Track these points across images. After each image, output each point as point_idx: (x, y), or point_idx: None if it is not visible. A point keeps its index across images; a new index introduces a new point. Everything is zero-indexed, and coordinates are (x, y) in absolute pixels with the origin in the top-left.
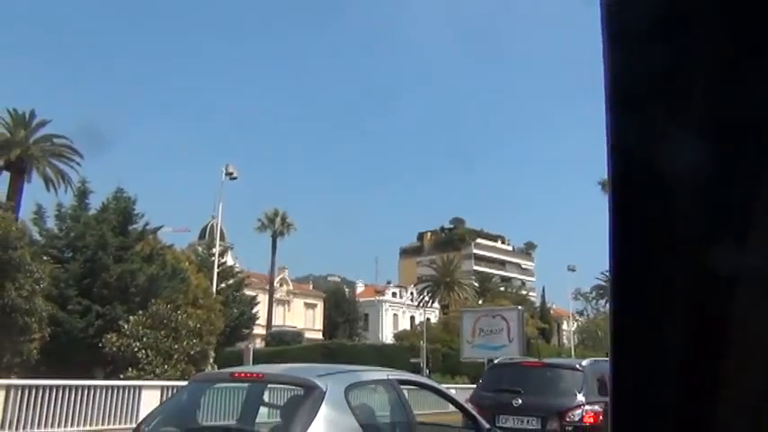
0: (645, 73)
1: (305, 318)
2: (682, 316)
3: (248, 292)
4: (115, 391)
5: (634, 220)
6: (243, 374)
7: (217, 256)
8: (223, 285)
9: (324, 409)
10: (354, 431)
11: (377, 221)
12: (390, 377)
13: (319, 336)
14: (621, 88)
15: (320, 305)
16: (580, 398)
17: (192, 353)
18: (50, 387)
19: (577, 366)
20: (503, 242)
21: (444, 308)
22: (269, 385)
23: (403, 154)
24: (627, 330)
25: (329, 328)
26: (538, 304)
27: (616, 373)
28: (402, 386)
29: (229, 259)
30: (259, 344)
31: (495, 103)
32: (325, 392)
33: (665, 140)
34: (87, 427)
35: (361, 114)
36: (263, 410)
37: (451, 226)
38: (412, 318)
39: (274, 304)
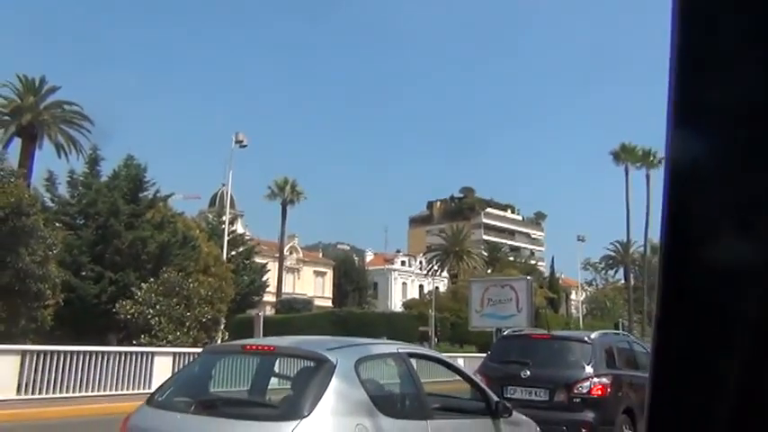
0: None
1: (314, 286)
2: (742, 323)
3: (258, 260)
4: (129, 358)
5: (691, 214)
6: (254, 347)
7: (227, 223)
8: (233, 253)
9: (334, 382)
10: (364, 403)
11: (387, 191)
12: (400, 350)
13: (329, 303)
14: (688, 102)
15: (330, 273)
16: (588, 370)
17: (203, 320)
18: (65, 353)
19: (586, 339)
20: (512, 212)
21: (453, 277)
22: (280, 358)
23: (414, 126)
24: (675, 321)
25: (339, 296)
26: (547, 274)
27: (658, 366)
28: (411, 359)
29: (239, 227)
30: (269, 311)
31: (509, 78)
32: (335, 366)
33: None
34: (101, 392)
35: (374, 91)
36: (273, 380)
37: (461, 195)
38: (421, 287)
39: (284, 272)
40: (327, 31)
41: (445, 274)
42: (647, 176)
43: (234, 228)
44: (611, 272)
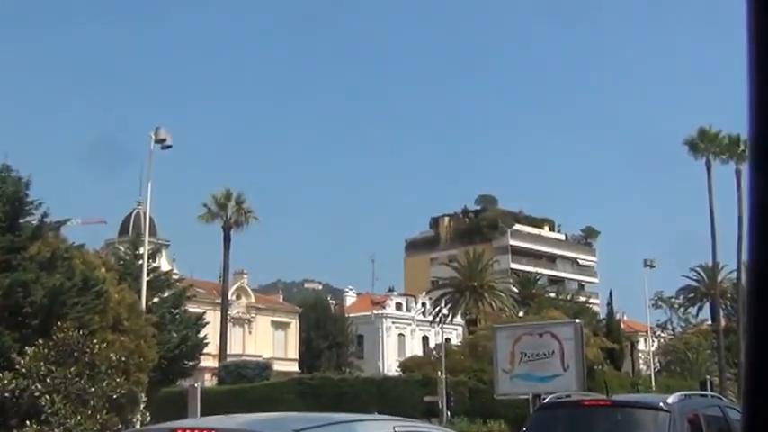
0: None
1: (273, 342)
2: None
3: (193, 309)
4: None
5: None
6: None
7: (146, 258)
8: (156, 300)
9: None
10: None
11: (372, 204)
12: (398, 430)
13: (294, 367)
14: None
15: (294, 324)
16: None
17: (115, 396)
18: None
19: (661, 405)
20: (551, 229)
21: (470, 323)
22: None
23: (409, 113)
24: None
25: (308, 356)
26: (603, 315)
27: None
28: None
29: (164, 262)
30: (210, 381)
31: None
32: None
33: None
34: None
35: (354, 87)
36: None
37: (478, 207)
38: (425, 339)
39: (229, 324)
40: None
41: (459, 319)
42: (737, 173)
43: (155, 264)
44: (692, 309)
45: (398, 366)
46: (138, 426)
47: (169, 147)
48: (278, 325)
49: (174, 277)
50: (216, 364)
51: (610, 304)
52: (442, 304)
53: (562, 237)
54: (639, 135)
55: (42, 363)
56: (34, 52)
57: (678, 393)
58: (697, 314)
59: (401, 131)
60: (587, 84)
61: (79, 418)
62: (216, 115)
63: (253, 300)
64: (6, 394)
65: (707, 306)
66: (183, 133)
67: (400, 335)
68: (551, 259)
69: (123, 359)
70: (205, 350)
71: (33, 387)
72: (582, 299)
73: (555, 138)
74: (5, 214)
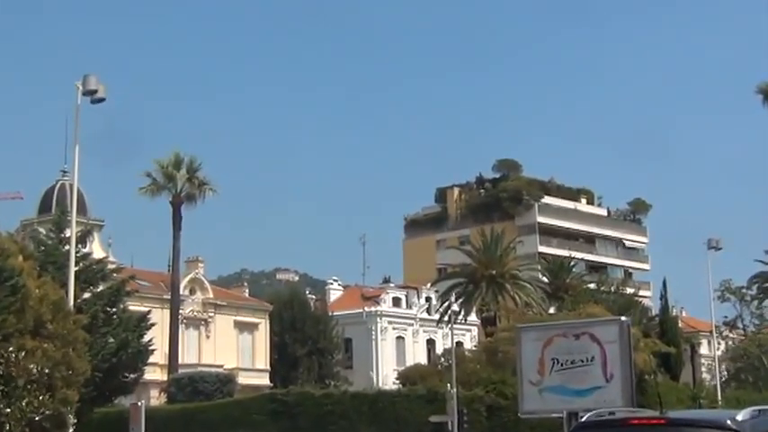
0: None
1: (238, 348)
2: None
3: (134, 307)
4: None
5: None
6: None
7: (73, 242)
8: (88, 296)
9: None
10: None
11: (362, 172)
12: None
13: (265, 380)
14: None
15: (264, 325)
16: None
17: (37, 418)
18: None
19: (729, 423)
20: (590, 202)
21: (488, 323)
22: None
23: (407, 62)
24: None
25: (282, 365)
26: (655, 311)
27: None
28: None
29: (96, 248)
30: (157, 398)
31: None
32: None
33: None
34: None
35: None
36: None
37: (497, 175)
38: (430, 342)
39: (181, 326)
40: None
41: (473, 318)
42: None
43: (86, 250)
44: None
45: (397, 378)
46: None
47: (101, 100)
48: (243, 326)
49: (111, 267)
50: (164, 377)
51: (664, 297)
52: (452, 299)
53: (603, 212)
54: (699, 80)
55: None
56: None
57: (750, 409)
58: None
59: (399, 81)
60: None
61: None
62: (167, 69)
63: (211, 295)
64: None
65: None
66: (126, 90)
67: (399, 338)
68: (590, 240)
69: (47, 371)
70: (151, 359)
71: None
72: (629, 290)
73: (592, 90)
74: None
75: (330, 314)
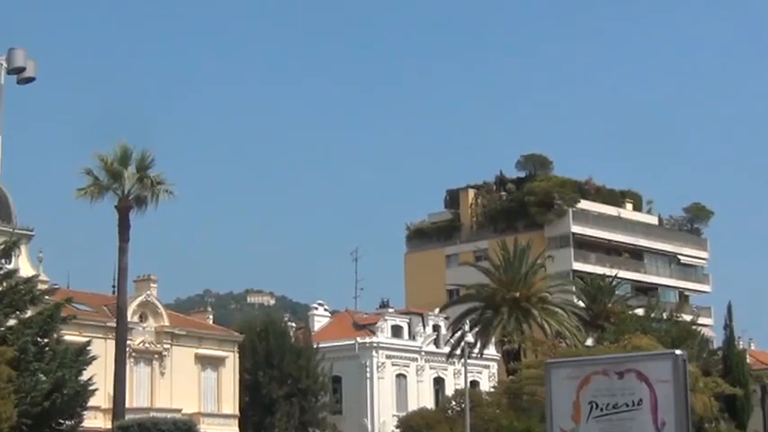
0: None
1: (200, 389)
2: None
3: (72, 337)
4: None
5: None
6: None
7: None
8: (14, 323)
9: None
10: None
11: (356, 171)
12: None
13: (233, 428)
14: None
15: (232, 360)
16: None
17: None
18: None
19: None
20: (636, 207)
21: (510, 357)
22: None
23: (414, 46)
24: None
25: (255, 410)
26: (718, 343)
27: None
28: None
29: (25, 264)
30: None
31: None
32: None
33: None
34: None
35: None
36: None
37: (522, 174)
38: (438, 382)
39: (130, 360)
40: None
41: (491, 351)
42: None
43: (11, 266)
44: None
45: (397, 426)
46: None
47: (31, 80)
48: (207, 361)
49: (42, 287)
50: (108, 425)
51: (729, 326)
52: (466, 327)
53: (654, 219)
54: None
55: None
56: None
57: None
58: None
59: (401, 65)
60: None
61: None
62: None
63: (166, 322)
64: None
65: None
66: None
67: (399, 376)
68: (637, 255)
69: None
70: (91, 402)
71: None
72: (685, 317)
73: (643, 71)
74: None
75: (314, 346)
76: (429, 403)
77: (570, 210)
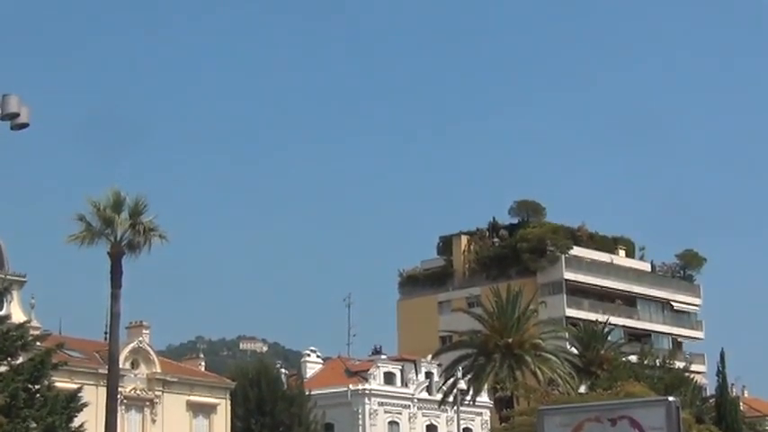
0: None
1: None
2: None
3: (63, 384)
4: None
5: None
6: None
7: None
8: (5, 369)
9: None
10: None
11: (349, 217)
12: None
13: None
14: None
15: (224, 407)
16: None
17: None
18: None
19: None
20: (629, 254)
21: (503, 404)
22: None
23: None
24: None
25: None
26: (711, 390)
27: None
28: None
29: (16, 310)
30: None
31: None
32: None
33: None
34: None
35: None
36: None
37: (515, 220)
38: (431, 429)
39: (121, 408)
40: None
41: (484, 398)
42: None
43: (3, 312)
44: None
45: None
46: None
47: (24, 126)
48: (198, 408)
49: (34, 333)
50: None
51: (722, 373)
52: (458, 374)
53: (647, 266)
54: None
55: None
56: None
57: None
58: None
59: (398, 112)
60: None
61: None
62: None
63: (158, 368)
64: None
65: None
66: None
67: (392, 423)
68: (630, 302)
69: None
70: None
71: None
72: (678, 364)
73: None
74: None
75: (307, 393)
76: None
77: (563, 256)
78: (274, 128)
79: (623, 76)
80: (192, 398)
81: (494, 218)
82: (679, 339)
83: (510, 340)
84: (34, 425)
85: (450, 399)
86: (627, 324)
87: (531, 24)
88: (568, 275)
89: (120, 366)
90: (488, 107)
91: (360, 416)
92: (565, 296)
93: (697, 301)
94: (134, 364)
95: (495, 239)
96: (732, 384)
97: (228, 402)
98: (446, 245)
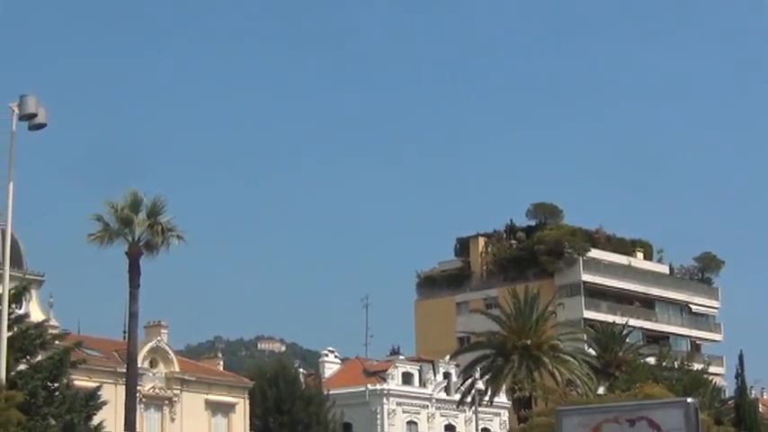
0: None
1: None
2: None
3: (82, 382)
4: None
5: None
6: None
7: (6, 301)
8: (24, 367)
9: None
10: None
11: (367, 219)
12: None
13: None
14: None
15: (243, 406)
16: None
17: None
18: None
19: None
20: (647, 256)
21: (521, 405)
22: None
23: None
24: None
25: None
26: (730, 392)
27: None
28: None
29: (35, 309)
30: None
31: None
32: None
33: None
34: None
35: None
36: None
37: (532, 223)
38: (449, 429)
39: (140, 406)
40: None
41: (502, 399)
42: None
43: (21, 311)
44: None
45: None
46: None
47: (42, 126)
48: (217, 407)
49: (53, 332)
50: None
51: (741, 375)
52: (476, 375)
53: (665, 269)
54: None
55: None
56: None
57: None
58: None
59: (413, 110)
60: None
61: None
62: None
63: (177, 368)
64: None
65: None
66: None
67: (411, 423)
68: (648, 304)
69: None
70: None
71: None
72: (697, 366)
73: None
74: None
75: (325, 393)
76: None
77: (581, 258)
78: (294, 137)
79: (639, 77)
80: (211, 397)
81: (511, 220)
82: (697, 342)
83: (528, 341)
84: (54, 423)
85: (469, 399)
86: (645, 326)
87: (539, 43)
88: (586, 277)
89: (139, 365)
90: (505, 122)
91: (378, 416)
92: (583, 298)
93: (715, 303)
94: (152, 363)
95: (513, 241)
96: (751, 387)
97: (247, 401)
98: (463, 246)
